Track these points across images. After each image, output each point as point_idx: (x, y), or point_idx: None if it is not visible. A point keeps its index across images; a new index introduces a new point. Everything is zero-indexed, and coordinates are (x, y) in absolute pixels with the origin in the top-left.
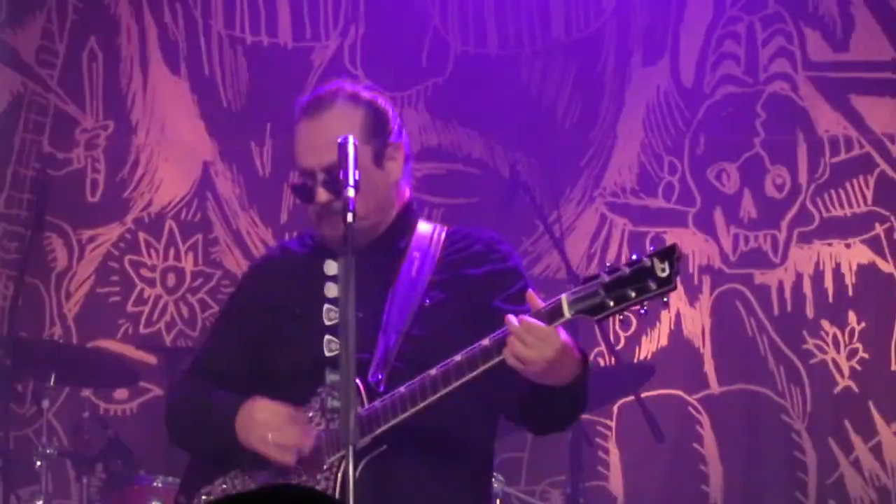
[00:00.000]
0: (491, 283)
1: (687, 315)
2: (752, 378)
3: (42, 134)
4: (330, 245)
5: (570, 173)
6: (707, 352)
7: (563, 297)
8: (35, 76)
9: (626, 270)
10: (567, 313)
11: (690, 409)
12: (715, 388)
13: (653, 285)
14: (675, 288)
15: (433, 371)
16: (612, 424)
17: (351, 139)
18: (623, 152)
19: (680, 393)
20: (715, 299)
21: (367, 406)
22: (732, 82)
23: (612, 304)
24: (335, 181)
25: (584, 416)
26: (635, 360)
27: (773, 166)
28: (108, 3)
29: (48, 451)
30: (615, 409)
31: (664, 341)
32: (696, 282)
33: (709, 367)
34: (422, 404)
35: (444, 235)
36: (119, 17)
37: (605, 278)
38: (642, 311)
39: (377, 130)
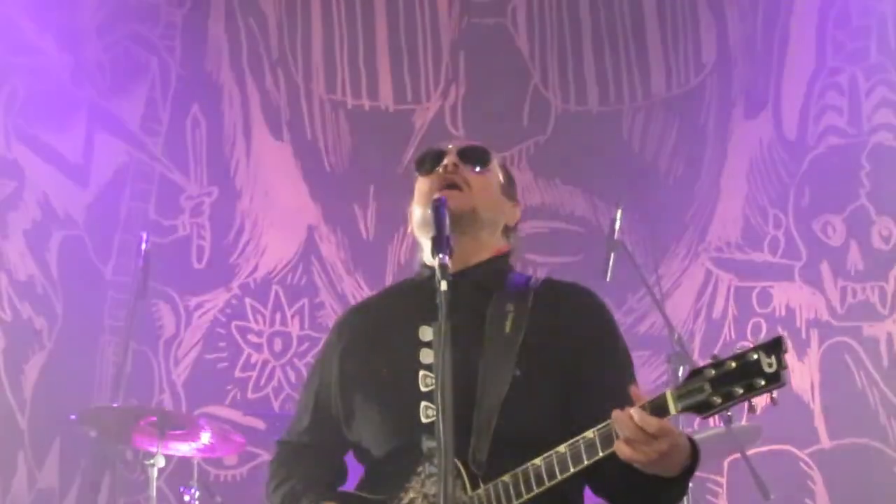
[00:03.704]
0: (585, 347)
1: (795, 369)
2: (864, 432)
3: (147, 202)
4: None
5: (675, 228)
6: (817, 406)
7: (668, 392)
8: (140, 144)
9: (732, 365)
10: (672, 409)
11: (802, 464)
12: (826, 442)
13: (761, 382)
14: (784, 384)
15: (537, 461)
16: (723, 481)
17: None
18: (727, 206)
19: (791, 448)
20: (823, 353)
21: (470, 493)
22: (836, 133)
23: (718, 401)
24: (469, 152)
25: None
26: (744, 416)
27: (878, 217)
28: (211, 71)
29: None
30: (725, 465)
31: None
32: (804, 336)
33: (819, 421)
34: (527, 496)
35: (538, 287)
36: (221, 84)
37: (712, 373)
38: (749, 406)
39: (507, 175)
